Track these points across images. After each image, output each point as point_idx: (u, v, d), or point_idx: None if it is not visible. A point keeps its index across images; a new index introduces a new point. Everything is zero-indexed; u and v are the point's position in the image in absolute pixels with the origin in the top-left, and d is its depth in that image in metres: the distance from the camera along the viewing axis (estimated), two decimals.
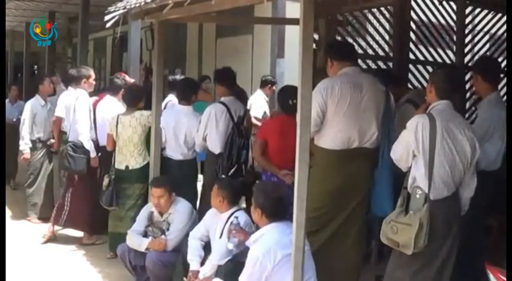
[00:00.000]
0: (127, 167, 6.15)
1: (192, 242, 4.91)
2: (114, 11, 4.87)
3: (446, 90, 4.05)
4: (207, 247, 4.90)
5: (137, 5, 4.66)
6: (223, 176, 5.63)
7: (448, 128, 3.90)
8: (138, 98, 6.31)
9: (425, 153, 3.87)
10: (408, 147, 3.94)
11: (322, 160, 4.49)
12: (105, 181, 6.17)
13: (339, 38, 7.34)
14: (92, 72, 7.27)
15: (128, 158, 6.15)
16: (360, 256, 4.72)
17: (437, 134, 3.86)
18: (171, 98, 6.95)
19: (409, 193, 3.92)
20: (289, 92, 5.38)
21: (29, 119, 7.81)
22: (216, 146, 5.89)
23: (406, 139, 3.97)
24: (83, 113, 6.74)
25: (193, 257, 4.83)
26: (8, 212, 8.05)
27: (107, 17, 4.81)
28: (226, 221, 4.72)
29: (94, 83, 7.11)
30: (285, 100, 5.35)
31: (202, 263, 4.76)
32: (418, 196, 3.86)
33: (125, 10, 4.78)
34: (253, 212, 3.95)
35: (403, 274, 3.98)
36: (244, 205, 5.67)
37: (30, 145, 7.81)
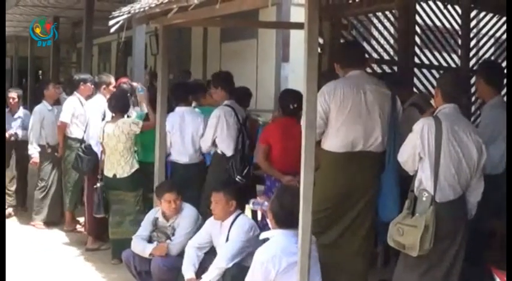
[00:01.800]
0: (114, 175, 6.13)
1: (188, 251, 4.91)
2: (119, 15, 4.87)
3: (453, 94, 4.06)
4: (209, 253, 4.91)
5: (141, 9, 4.66)
6: (238, 177, 5.61)
7: (454, 131, 3.89)
8: (124, 106, 6.29)
9: (431, 155, 3.86)
10: (414, 149, 3.94)
11: (326, 162, 4.48)
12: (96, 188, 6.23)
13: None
14: (112, 80, 7.30)
15: (115, 166, 6.12)
16: (367, 260, 4.69)
17: (443, 136, 3.86)
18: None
19: (415, 196, 3.92)
20: (289, 96, 5.39)
21: (38, 123, 7.78)
22: (229, 148, 5.79)
23: (412, 142, 3.97)
24: (95, 117, 6.80)
25: (187, 266, 4.83)
26: (13, 217, 8.08)
27: (111, 22, 4.81)
28: (231, 226, 4.73)
29: (114, 90, 7.05)
30: (286, 104, 5.36)
31: (202, 273, 4.73)
32: (424, 198, 3.85)
33: (129, 15, 4.78)
34: (268, 211, 3.98)
35: (410, 276, 3.96)
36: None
37: (39, 149, 7.77)
